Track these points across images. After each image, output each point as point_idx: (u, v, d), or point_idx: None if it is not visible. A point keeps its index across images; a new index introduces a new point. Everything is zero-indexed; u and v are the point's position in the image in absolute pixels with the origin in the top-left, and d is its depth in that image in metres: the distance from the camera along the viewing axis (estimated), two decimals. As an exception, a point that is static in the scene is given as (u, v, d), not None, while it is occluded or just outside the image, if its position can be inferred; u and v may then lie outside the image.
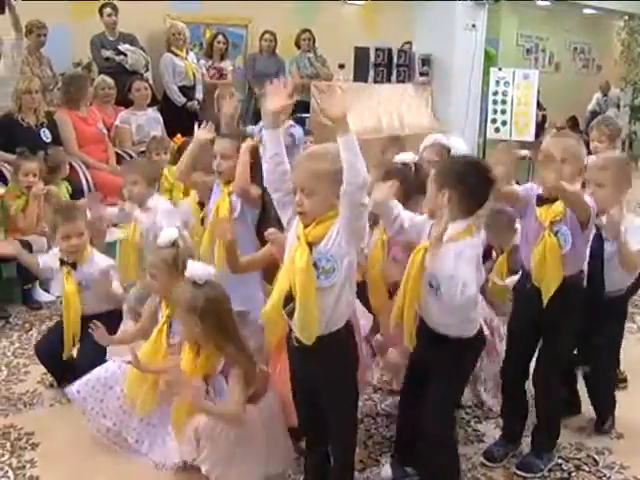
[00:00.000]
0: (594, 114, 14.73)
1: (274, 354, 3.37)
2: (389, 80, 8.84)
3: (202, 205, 4.10)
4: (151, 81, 8.20)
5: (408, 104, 8.85)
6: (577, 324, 3.35)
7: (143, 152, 6.47)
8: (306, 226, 2.74)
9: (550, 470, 3.43)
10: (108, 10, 8.03)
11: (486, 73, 9.56)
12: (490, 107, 9.56)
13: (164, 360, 3.40)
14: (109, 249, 4.46)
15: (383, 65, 8.74)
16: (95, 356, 3.70)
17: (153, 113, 7.46)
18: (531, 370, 3.46)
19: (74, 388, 3.51)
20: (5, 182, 5.81)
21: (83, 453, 3.48)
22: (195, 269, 3.18)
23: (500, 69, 9.86)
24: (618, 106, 14.93)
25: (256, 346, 3.46)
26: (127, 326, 4.09)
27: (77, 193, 6.03)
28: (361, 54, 8.73)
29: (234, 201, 3.79)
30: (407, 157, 3.94)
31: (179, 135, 6.32)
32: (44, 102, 6.44)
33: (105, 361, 3.63)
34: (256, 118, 7.85)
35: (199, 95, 8.42)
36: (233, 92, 6.63)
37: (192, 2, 9.43)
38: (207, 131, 3.95)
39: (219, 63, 8.84)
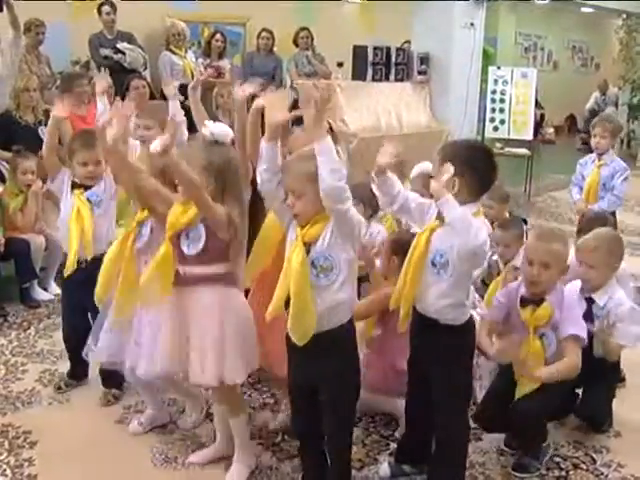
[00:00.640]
0: (592, 113, 14.79)
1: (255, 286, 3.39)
2: (387, 79, 8.83)
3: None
4: (149, 79, 8.19)
5: (406, 103, 8.85)
6: None
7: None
8: (302, 227, 2.77)
9: (548, 469, 3.44)
10: (106, 8, 8.03)
11: (484, 72, 9.57)
12: (488, 106, 9.59)
13: (127, 264, 3.39)
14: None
15: (381, 64, 8.73)
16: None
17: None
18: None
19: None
20: (3, 180, 5.81)
21: (81, 452, 3.48)
22: (215, 127, 3.10)
23: (498, 68, 9.89)
24: (616, 105, 14.95)
25: None
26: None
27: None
28: (359, 53, 8.72)
29: None
30: (426, 167, 3.93)
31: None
32: (42, 100, 6.43)
33: None
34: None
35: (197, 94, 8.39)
36: (231, 91, 6.61)
37: (190, 1, 9.43)
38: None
39: (217, 62, 8.83)
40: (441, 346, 2.95)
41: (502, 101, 9.52)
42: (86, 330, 3.71)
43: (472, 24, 9.00)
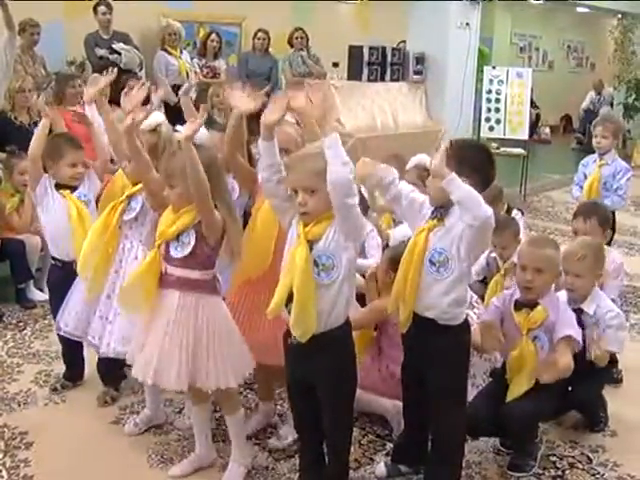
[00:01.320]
0: (588, 112, 14.82)
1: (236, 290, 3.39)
2: (383, 79, 8.83)
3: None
4: (145, 80, 8.18)
5: (402, 103, 8.85)
6: None
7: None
8: (306, 225, 2.77)
9: (544, 468, 3.44)
10: (102, 8, 8.01)
11: (480, 72, 9.58)
12: (484, 105, 9.59)
13: (109, 238, 3.49)
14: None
15: (377, 64, 8.73)
16: None
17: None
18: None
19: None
20: (-1, 181, 5.80)
21: (77, 452, 3.47)
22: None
23: (494, 67, 9.90)
24: (611, 104, 14.97)
25: None
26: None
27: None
28: (355, 53, 8.73)
29: None
30: (422, 159, 3.93)
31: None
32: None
33: None
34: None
35: (192, 94, 8.38)
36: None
37: (186, 1, 9.42)
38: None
39: (213, 62, 8.83)
40: (438, 347, 2.95)
41: (497, 101, 9.52)
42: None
43: (467, 24, 9.01)
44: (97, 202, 3.93)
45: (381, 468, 3.33)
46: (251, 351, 3.19)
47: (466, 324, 3.03)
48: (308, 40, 9.62)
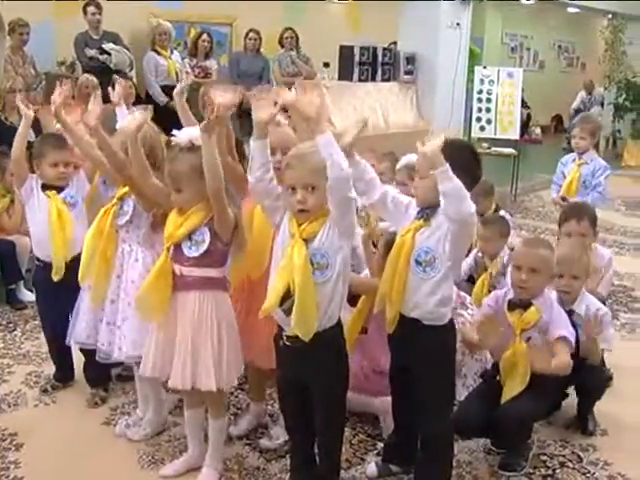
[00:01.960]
0: (578, 112, 14.80)
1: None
2: (374, 79, 8.85)
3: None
4: (135, 80, 8.16)
5: (393, 103, 8.87)
6: None
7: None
8: (300, 224, 2.77)
9: (535, 467, 3.45)
10: (92, 9, 7.98)
11: (471, 72, 9.60)
12: (475, 105, 9.60)
13: (106, 242, 3.45)
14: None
15: (368, 64, 8.75)
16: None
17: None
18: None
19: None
20: (-11, 181, 5.77)
21: (67, 454, 3.46)
22: (189, 132, 3.07)
23: (485, 67, 9.91)
24: (602, 104, 15.01)
25: None
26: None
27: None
28: (346, 53, 8.75)
29: None
30: (413, 159, 3.93)
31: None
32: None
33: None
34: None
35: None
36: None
37: (176, 1, 9.41)
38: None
39: (204, 62, 8.81)
40: (424, 347, 2.94)
41: (488, 101, 9.54)
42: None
43: (458, 24, 9.04)
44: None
45: (372, 468, 3.33)
46: (247, 353, 3.19)
47: (451, 324, 3.03)
48: (298, 40, 9.60)
